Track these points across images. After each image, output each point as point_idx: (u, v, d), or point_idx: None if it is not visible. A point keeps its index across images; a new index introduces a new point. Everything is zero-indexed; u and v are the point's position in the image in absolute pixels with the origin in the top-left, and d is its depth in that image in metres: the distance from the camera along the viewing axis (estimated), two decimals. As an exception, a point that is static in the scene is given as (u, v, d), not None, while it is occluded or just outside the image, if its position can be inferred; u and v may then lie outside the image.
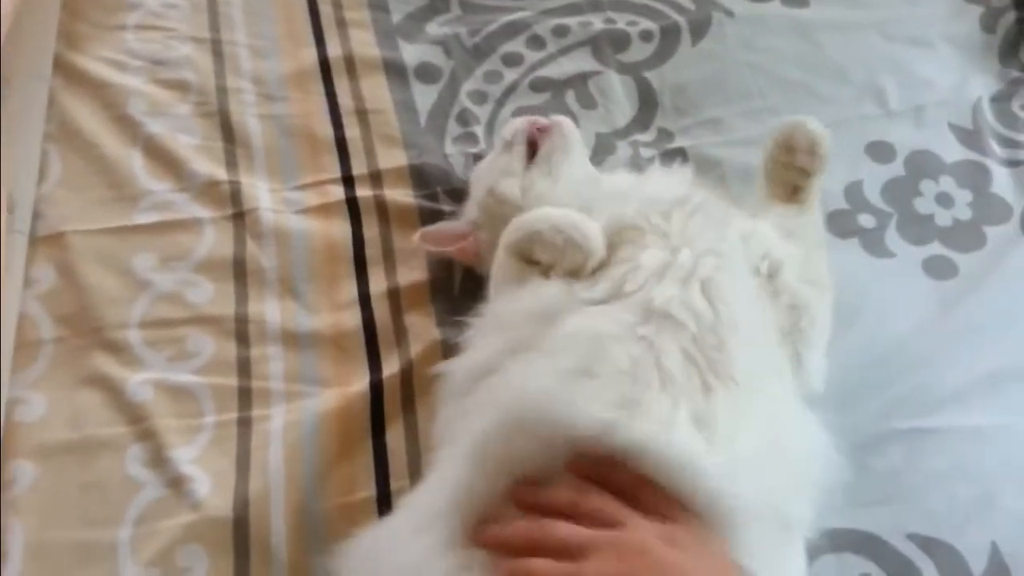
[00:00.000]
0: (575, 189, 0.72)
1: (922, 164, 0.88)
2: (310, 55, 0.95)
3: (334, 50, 0.95)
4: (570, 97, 0.93)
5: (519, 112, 0.90)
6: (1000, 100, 0.94)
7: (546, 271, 0.62)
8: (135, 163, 0.85)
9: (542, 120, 0.78)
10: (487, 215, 0.75)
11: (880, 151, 0.89)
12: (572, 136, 0.77)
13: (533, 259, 0.63)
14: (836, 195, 0.85)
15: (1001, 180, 0.87)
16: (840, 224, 0.83)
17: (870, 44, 0.98)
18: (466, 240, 0.76)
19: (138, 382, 0.71)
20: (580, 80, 0.94)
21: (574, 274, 0.62)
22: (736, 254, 0.63)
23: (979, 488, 0.67)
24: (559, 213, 0.64)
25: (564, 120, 0.78)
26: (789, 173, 0.72)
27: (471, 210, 0.78)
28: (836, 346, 0.73)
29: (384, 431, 0.70)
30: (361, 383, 0.73)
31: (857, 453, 0.61)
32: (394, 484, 0.67)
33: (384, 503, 0.66)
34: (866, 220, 0.84)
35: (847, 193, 0.85)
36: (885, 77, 0.94)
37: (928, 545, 0.64)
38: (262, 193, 0.84)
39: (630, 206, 0.65)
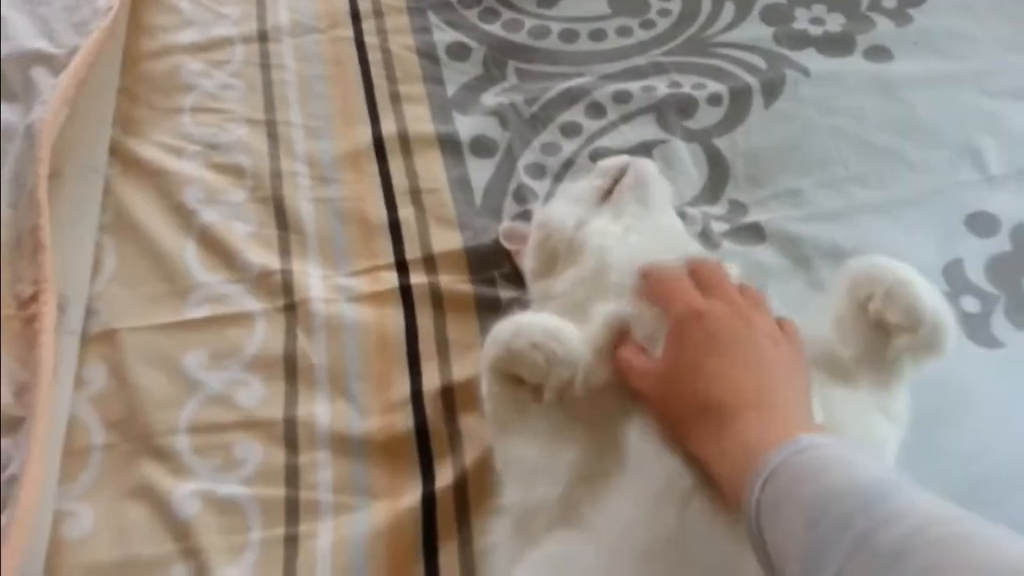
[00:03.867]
0: (639, 242, 0.66)
1: (1030, 237, 0.79)
2: (364, 133, 0.92)
3: (388, 127, 0.92)
4: (635, 170, 0.88)
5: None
6: (1116, 158, 0.84)
7: (536, 391, 0.58)
8: (189, 254, 0.83)
9: (622, 159, 0.74)
10: (537, 250, 0.70)
11: (982, 223, 0.80)
12: (650, 179, 0.70)
13: (518, 377, 0.58)
14: (934, 275, 0.76)
15: (1122, 253, 0.78)
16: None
17: (964, 100, 0.89)
18: None
19: (185, 494, 0.69)
20: (643, 150, 0.89)
21: (564, 391, 0.57)
22: None
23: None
24: (535, 325, 0.58)
25: (644, 162, 0.72)
26: (872, 330, 0.60)
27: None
28: (940, 454, 0.66)
29: (437, 552, 0.65)
30: (413, 495, 0.68)
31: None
32: (446, 613, 0.63)
33: (435, 635, 0.62)
34: (969, 304, 0.76)
35: (946, 273, 0.77)
36: (983, 137, 0.86)
37: None
38: (314, 281, 0.81)
39: None
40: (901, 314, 0.57)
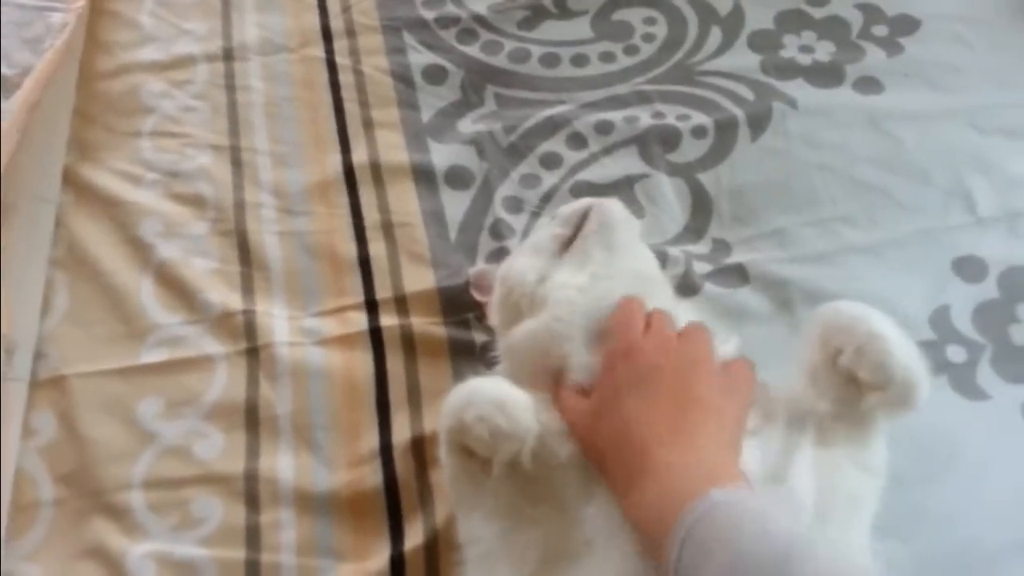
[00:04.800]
0: (607, 288, 0.62)
1: (1019, 283, 0.77)
2: (334, 162, 0.88)
3: (360, 156, 0.88)
4: (614, 204, 0.84)
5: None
6: (1108, 199, 0.82)
7: (486, 465, 0.55)
8: (145, 292, 0.79)
9: (583, 203, 0.69)
10: (500, 305, 0.67)
11: (970, 268, 0.78)
12: (615, 222, 0.66)
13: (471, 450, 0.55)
14: (921, 324, 0.74)
15: (1114, 302, 0.76)
16: (926, 358, 0.72)
17: (955, 137, 0.87)
18: None
19: (139, 556, 0.65)
20: (626, 184, 0.85)
21: (514, 465, 0.55)
22: None
23: None
24: (484, 394, 0.55)
25: (608, 203, 0.68)
26: (845, 381, 0.58)
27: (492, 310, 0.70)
28: (926, 515, 0.64)
29: (405, 622, 0.62)
30: (381, 556, 0.65)
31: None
32: None
33: None
34: (955, 353, 0.73)
35: (933, 321, 0.75)
36: (973, 177, 0.83)
37: None
38: (279, 323, 0.77)
39: None
40: (871, 371, 0.55)
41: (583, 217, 0.67)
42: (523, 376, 0.59)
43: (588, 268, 0.64)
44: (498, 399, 0.54)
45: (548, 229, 0.69)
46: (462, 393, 0.56)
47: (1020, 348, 0.74)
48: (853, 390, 0.57)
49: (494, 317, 0.68)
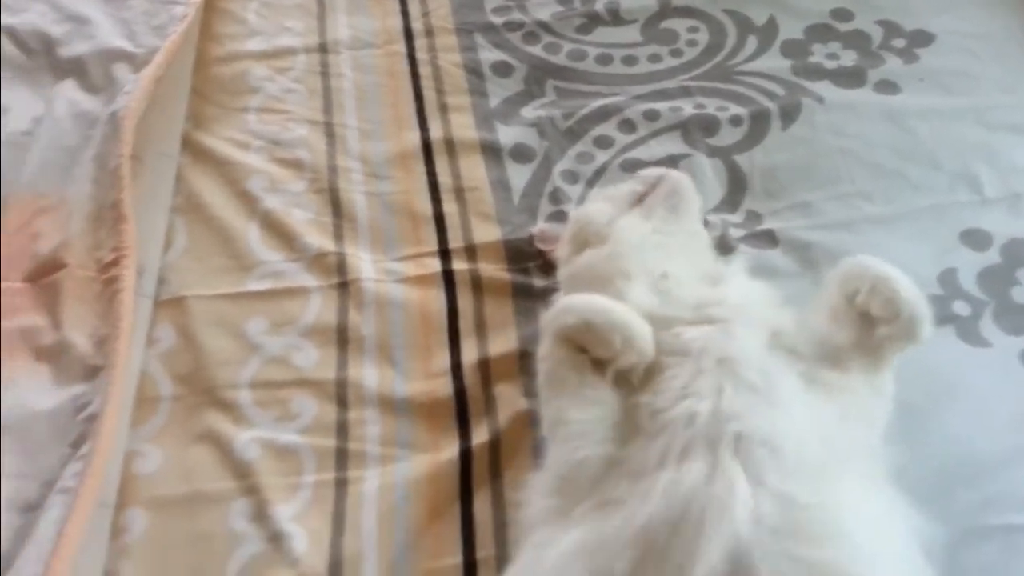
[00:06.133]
0: (659, 240, 0.73)
1: (1019, 253, 0.87)
2: (413, 137, 1.01)
3: (436, 132, 1.02)
4: (660, 179, 0.96)
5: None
6: (1102, 188, 0.92)
7: (596, 364, 0.63)
8: (252, 235, 0.91)
9: (661, 169, 0.82)
10: (571, 239, 0.78)
11: (975, 238, 0.88)
12: (684, 191, 0.78)
13: (581, 347, 0.64)
14: (929, 281, 0.84)
15: (1103, 271, 0.85)
16: (934, 311, 0.81)
17: (964, 131, 0.98)
18: None
19: (246, 440, 0.76)
20: (670, 162, 0.97)
21: (625, 374, 0.62)
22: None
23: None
24: (614, 308, 0.64)
25: (681, 175, 0.80)
26: (862, 320, 0.66)
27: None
28: (928, 437, 0.72)
29: (472, 499, 0.72)
30: (451, 450, 0.75)
31: (951, 551, 0.60)
32: (480, 553, 0.69)
33: (470, 570, 0.68)
34: (961, 308, 0.83)
35: (941, 280, 0.85)
36: (980, 164, 0.94)
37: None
38: (365, 264, 0.89)
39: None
40: (882, 306, 0.65)
41: (658, 181, 0.79)
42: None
43: (651, 222, 0.75)
44: (631, 317, 0.63)
45: (626, 185, 0.81)
46: (586, 300, 0.65)
47: (1020, 305, 0.83)
48: (867, 326, 0.67)
49: (561, 250, 0.80)
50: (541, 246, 0.88)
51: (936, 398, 0.75)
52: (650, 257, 0.71)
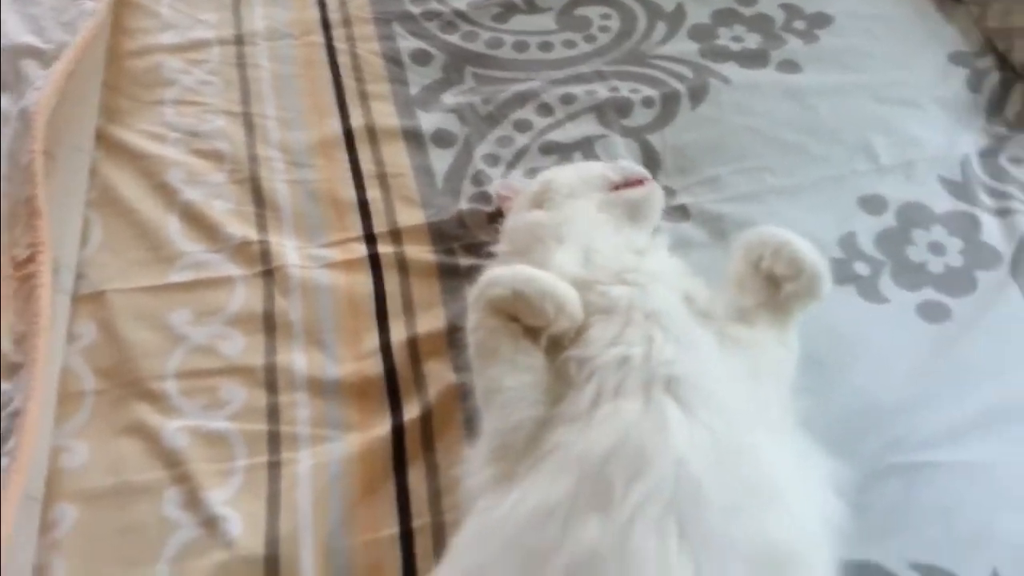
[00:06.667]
0: (602, 222, 0.77)
1: (913, 215, 0.93)
2: (334, 125, 1.02)
3: (357, 121, 1.02)
4: (577, 159, 0.99)
5: (529, 173, 0.95)
6: (987, 155, 0.99)
7: (528, 331, 0.65)
8: (172, 227, 0.91)
9: (644, 173, 0.85)
10: (531, 197, 0.81)
11: (872, 204, 0.94)
12: (649, 205, 0.82)
13: (514, 317, 0.66)
14: (831, 245, 0.89)
15: (991, 229, 0.92)
16: (836, 272, 0.85)
17: (862, 106, 1.03)
18: None
19: (174, 429, 0.76)
20: (587, 143, 1.00)
21: (558, 338, 0.65)
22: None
23: (978, 518, 0.70)
24: (540, 276, 0.66)
25: (657, 190, 0.84)
26: (768, 283, 0.72)
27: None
28: (835, 388, 0.77)
29: (406, 471, 0.74)
30: (383, 427, 0.77)
31: (859, 489, 0.64)
32: (416, 522, 0.71)
33: (407, 539, 0.70)
34: (861, 268, 0.88)
35: (841, 243, 0.90)
36: (876, 136, 1.00)
37: (932, 573, 0.67)
38: (290, 251, 0.90)
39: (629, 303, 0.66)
40: (785, 266, 0.70)
41: (634, 181, 0.82)
42: (512, 258, 0.72)
43: (606, 215, 0.78)
44: (557, 283, 0.66)
45: (605, 168, 0.84)
46: (513, 271, 0.67)
47: (914, 264, 0.89)
48: (773, 288, 0.72)
49: (517, 204, 0.83)
50: (502, 192, 0.91)
51: (841, 352, 0.80)
52: (587, 234, 0.74)
